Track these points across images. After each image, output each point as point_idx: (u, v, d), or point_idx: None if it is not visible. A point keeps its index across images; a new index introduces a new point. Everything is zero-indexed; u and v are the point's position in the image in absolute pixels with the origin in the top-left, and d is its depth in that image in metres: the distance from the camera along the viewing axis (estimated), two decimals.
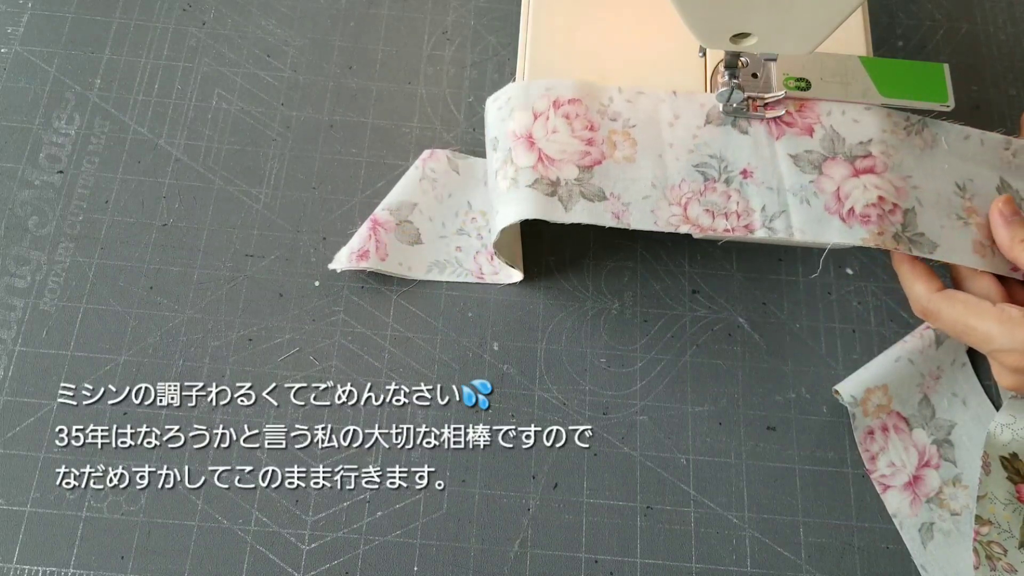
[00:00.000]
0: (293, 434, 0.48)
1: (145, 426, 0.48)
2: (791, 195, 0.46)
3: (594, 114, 0.48)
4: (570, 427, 0.48)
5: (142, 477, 0.46)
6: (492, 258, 0.51)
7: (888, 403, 0.48)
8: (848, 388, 0.47)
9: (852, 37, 0.50)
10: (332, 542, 0.46)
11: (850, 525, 0.47)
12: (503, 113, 0.49)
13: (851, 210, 0.45)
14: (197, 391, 0.48)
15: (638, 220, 0.46)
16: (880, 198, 0.45)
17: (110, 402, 0.48)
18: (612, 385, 0.49)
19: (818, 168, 0.46)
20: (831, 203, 0.45)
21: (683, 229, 0.46)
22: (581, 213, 0.46)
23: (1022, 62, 0.59)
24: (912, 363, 0.48)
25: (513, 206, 0.46)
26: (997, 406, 0.49)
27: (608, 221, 0.46)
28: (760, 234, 0.45)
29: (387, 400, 0.49)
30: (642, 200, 0.47)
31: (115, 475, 0.46)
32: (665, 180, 0.47)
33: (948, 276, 0.45)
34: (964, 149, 0.47)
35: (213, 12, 0.59)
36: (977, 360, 0.50)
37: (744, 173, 0.47)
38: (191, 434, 0.47)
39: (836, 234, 0.44)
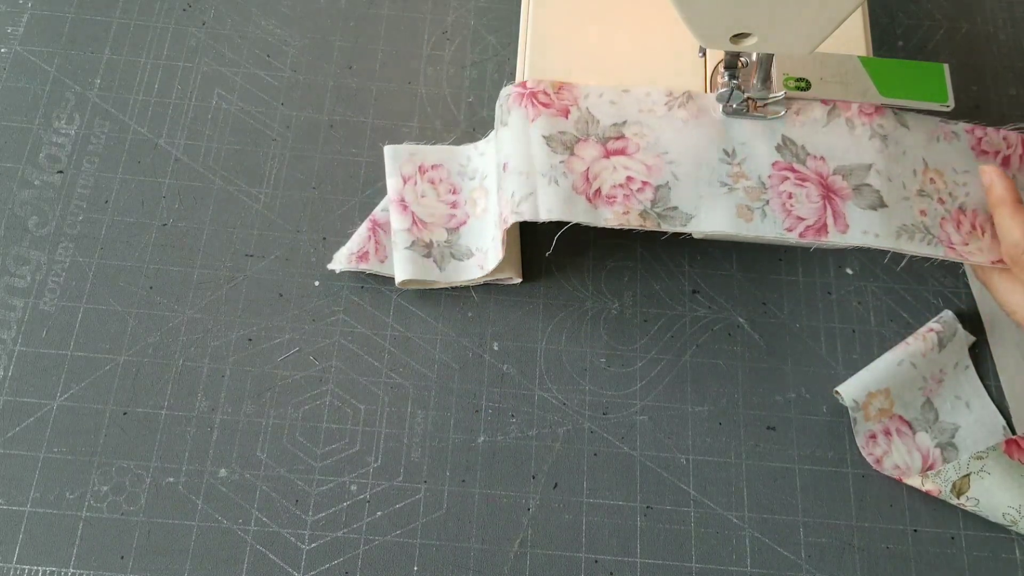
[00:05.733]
0: (293, 434, 0.48)
1: (145, 426, 0.48)
2: (540, 176, 0.46)
3: (456, 177, 0.52)
4: (570, 427, 0.48)
5: (142, 477, 0.46)
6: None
7: (890, 407, 0.48)
8: (849, 391, 0.47)
9: (852, 37, 0.50)
10: (332, 542, 0.46)
11: (850, 525, 0.47)
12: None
13: (598, 191, 0.45)
14: (197, 391, 0.48)
15: (492, 261, 0.49)
16: (628, 178, 0.46)
17: (110, 402, 0.48)
18: (612, 385, 0.49)
19: (570, 149, 0.46)
20: (579, 183, 0.46)
21: (501, 248, 0.48)
22: (452, 273, 0.50)
23: (1022, 62, 0.59)
24: (915, 366, 0.48)
25: (397, 266, 0.49)
26: (1000, 409, 0.49)
27: (476, 274, 0.50)
28: (513, 219, 0.46)
29: (387, 400, 0.49)
30: (491, 241, 0.50)
31: (115, 474, 0.46)
32: (497, 215, 0.49)
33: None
34: (739, 114, 0.47)
35: (213, 12, 0.59)
36: (980, 362, 0.50)
37: (504, 167, 0.48)
38: (191, 433, 0.47)
39: (582, 214, 0.45)
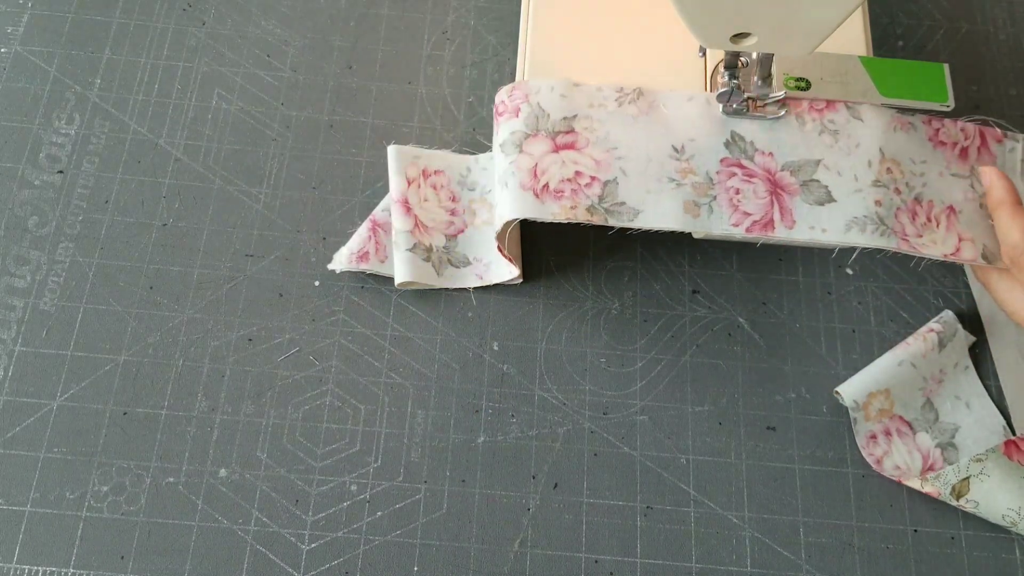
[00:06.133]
0: (293, 434, 0.48)
1: (145, 426, 0.48)
2: (498, 183, 0.47)
3: (455, 185, 0.52)
4: (570, 427, 0.48)
5: (142, 477, 0.46)
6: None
7: (890, 407, 0.48)
8: (850, 392, 0.47)
9: (852, 37, 0.50)
10: (332, 542, 0.46)
11: (850, 525, 0.47)
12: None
13: (545, 186, 0.45)
14: (197, 391, 0.48)
15: (495, 276, 0.51)
16: (577, 173, 0.45)
17: (110, 402, 0.48)
18: (612, 385, 0.49)
19: (519, 147, 0.47)
20: (527, 180, 0.46)
21: (512, 268, 0.50)
22: (449, 279, 0.50)
23: (1022, 62, 0.59)
24: (915, 367, 0.48)
25: (397, 267, 0.50)
26: (1000, 409, 0.48)
27: (473, 282, 0.51)
28: (488, 234, 0.48)
29: (387, 400, 0.49)
30: (496, 256, 0.50)
31: (115, 474, 0.46)
32: None
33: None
34: (687, 110, 0.47)
35: (213, 12, 0.59)
36: (980, 362, 0.50)
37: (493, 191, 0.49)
38: (191, 433, 0.47)
39: (530, 210, 0.45)
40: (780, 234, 0.45)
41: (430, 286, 0.50)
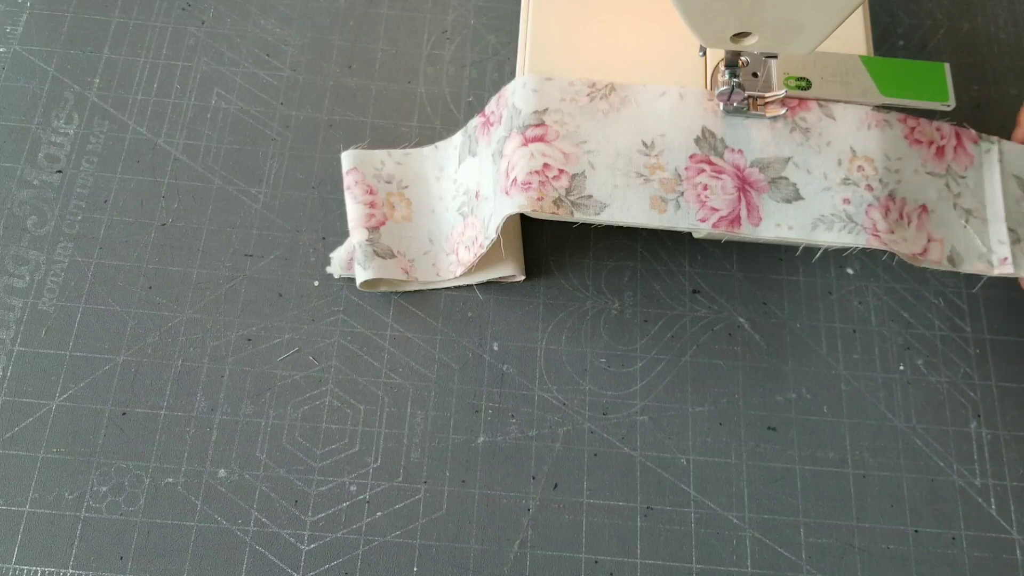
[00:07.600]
0: (292, 434, 0.48)
1: (144, 426, 0.47)
2: (492, 192, 0.47)
3: (371, 179, 0.51)
4: (570, 427, 0.48)
5: (141, 478, 0.46)
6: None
7: None
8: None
9: (853, 37, 0.50)
10: (332, 542, 0.46)
11: (851, 525, 0.47)
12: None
13: (514, 180, 0.45)
14: (196, 391, 0.48)
15: (423, 274, 0.50)
16: (545, 165, 0.45)
17: (109, 402, 0.48)
18: (612, 385, 0.49)
19: (501, 152, 0.47)
20: (502, 181, 0.46)
21: (459, 272, 0.49)
22: (377, 270, 0.49)
23: (1023, 62, 0.59)
24: None
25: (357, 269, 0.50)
26: None
27: (400, 275, 0.49)
28: (488, 244, 0.46)
29: (387, 400, 0.49)
30: (423, 256, 0.50)
31: (114, 475, 0.46)
32: (440, 233, 0.50)
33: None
34: (659, 105, 0.47)
35: (212, 11, 0.59)
36: None
37: (476, 195, 0.48)
38: (190, 433, 0.47)
39: (508, 207, 0.45)
40: (746, 231, 0.45)
41: (401, 284, 0.50)
